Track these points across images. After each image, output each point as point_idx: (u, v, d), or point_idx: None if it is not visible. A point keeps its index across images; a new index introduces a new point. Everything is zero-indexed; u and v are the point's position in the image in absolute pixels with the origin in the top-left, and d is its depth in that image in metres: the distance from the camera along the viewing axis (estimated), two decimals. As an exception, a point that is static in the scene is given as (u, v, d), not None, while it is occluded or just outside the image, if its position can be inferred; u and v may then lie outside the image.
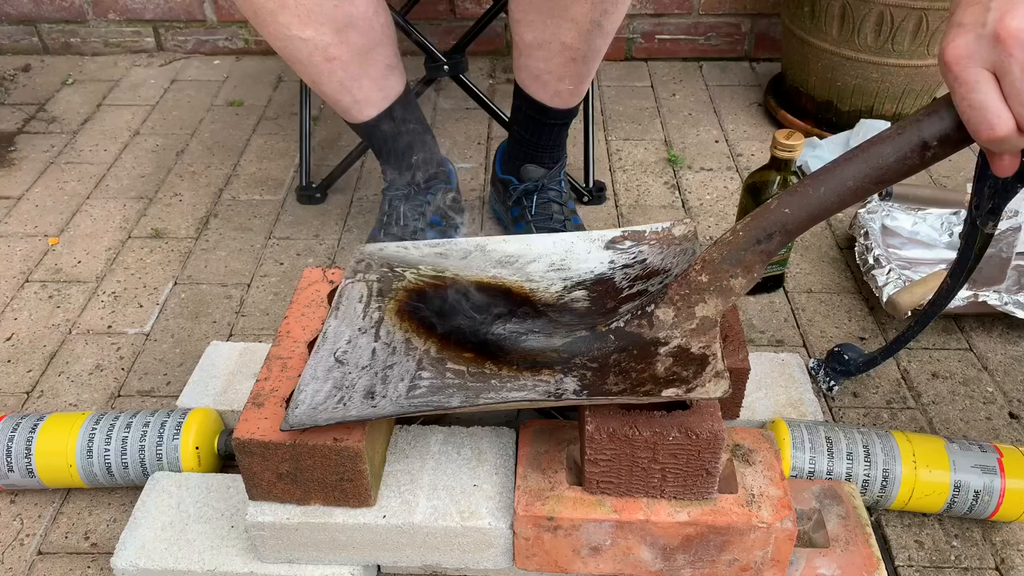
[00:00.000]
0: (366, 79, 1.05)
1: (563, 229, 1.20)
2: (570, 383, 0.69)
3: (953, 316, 1.12)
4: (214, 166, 1.49)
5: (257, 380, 0.74)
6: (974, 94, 0.53)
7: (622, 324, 0.73)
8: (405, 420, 0.79)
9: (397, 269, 0.84)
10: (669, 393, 0.64)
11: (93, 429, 0.87)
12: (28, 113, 1.65)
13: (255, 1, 0.93)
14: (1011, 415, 1.00)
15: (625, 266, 0.82)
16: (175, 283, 1.22)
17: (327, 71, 1.01)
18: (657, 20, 1.81)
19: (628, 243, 0.84)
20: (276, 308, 1.16)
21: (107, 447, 0.86)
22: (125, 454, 0.86)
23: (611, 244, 0.84)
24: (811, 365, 1.04)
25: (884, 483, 0.83)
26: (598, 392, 0.67)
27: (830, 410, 1.00)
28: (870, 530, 0.76)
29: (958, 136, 0.56)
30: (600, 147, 1.54)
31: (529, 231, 1.19)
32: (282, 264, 1.25)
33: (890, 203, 1.24)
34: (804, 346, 1.10)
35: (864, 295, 1.18)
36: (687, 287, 0.69)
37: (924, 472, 0.83)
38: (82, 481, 0.87)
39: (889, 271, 1.09)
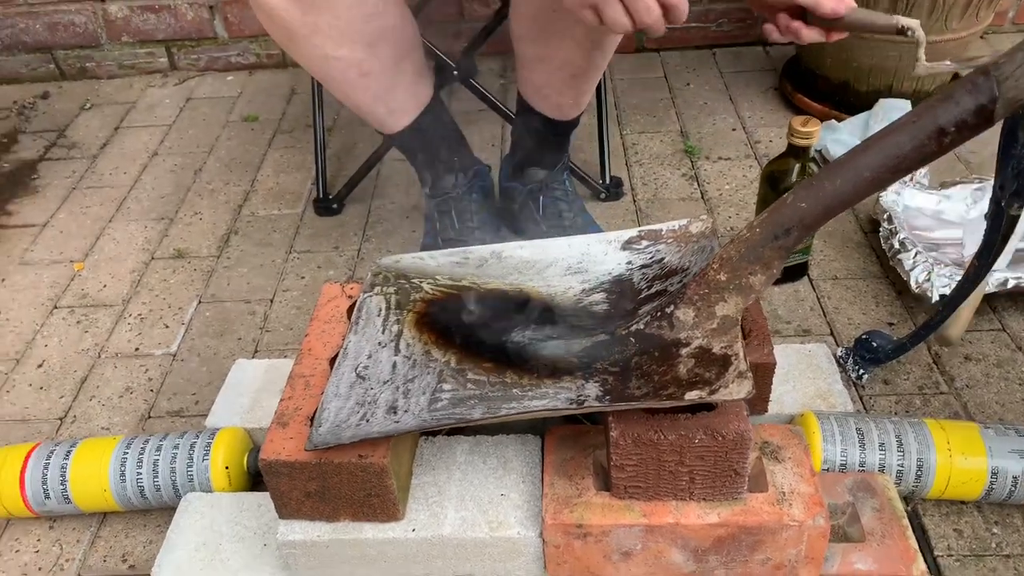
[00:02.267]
0: (399, 88, 1.06)
1: (573, 226, 1.20)
2: (592, 389, 0.69)
3: (985, 296, 1.09)
4: (232, 183, 1.50)
5: (281, 399, 0.75)
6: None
7: (642, 326, 0.72)
8: (430, 432, 0.79)
9: (414, 280, 0.84)
10: (692, 396, 0.63)
11: (125, 453, 0.88)
12: (49, 140, 1.68)
13: (289, 27, 0.94)
14: (1048, 396, 0.98)
15: (643, 266, 0.81)
16: (199, 302, 1.23)
17: (362, 86, 1.03)
18: (667, 9, 1.79)
19: (645, 243, 0.83)
20: (299, 323, 1.17)
21: (139, 470, 0.87)
22: (157, 476, 0.87)
23: (628, 244, 0.83)
24: (839, 354, 1.02)
25: (919, 472, 0.82)
26: (620, 397, 0.67)
27: (860, 399, 0.99)
28: (906, 522, 0.75)
29: (975, 121, 0.55)
30: (615, 141, 1.52)
31: (541, 231, 1.19)
32: (303, 278, 1.26)
33: (911, 184, 1.22)
34: (831, 334, 1.09)
35: (891, 279, 1.16)
36: (706, 286, 0.69)
37: (959, 459, 0.81)
38: (117, 505, 0.88)
39: (916, 254, 1.07)
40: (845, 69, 1.47)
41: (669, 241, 0.82)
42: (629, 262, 0.82)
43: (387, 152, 1.34)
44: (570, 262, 0.84)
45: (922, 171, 1.23)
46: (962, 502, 0.86)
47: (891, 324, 1.09)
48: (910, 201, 1.21)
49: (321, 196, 1.39)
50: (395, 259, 0.87)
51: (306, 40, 0.95)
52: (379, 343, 0.76)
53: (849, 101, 1.50)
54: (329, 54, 0.97)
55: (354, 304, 0.83)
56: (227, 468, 0.87)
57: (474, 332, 0.78)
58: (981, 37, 1.64)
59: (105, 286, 1.27)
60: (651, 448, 0.66)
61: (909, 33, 0.74)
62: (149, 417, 1.05)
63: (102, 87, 1.86)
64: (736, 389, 0.62)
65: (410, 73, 1.06)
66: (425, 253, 0.87)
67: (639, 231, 0.84)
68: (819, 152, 1.39)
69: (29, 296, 1.26)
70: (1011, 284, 1.03)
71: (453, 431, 0.81)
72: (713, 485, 0.68)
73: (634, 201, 1.38)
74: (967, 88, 0.55)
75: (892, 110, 1.37)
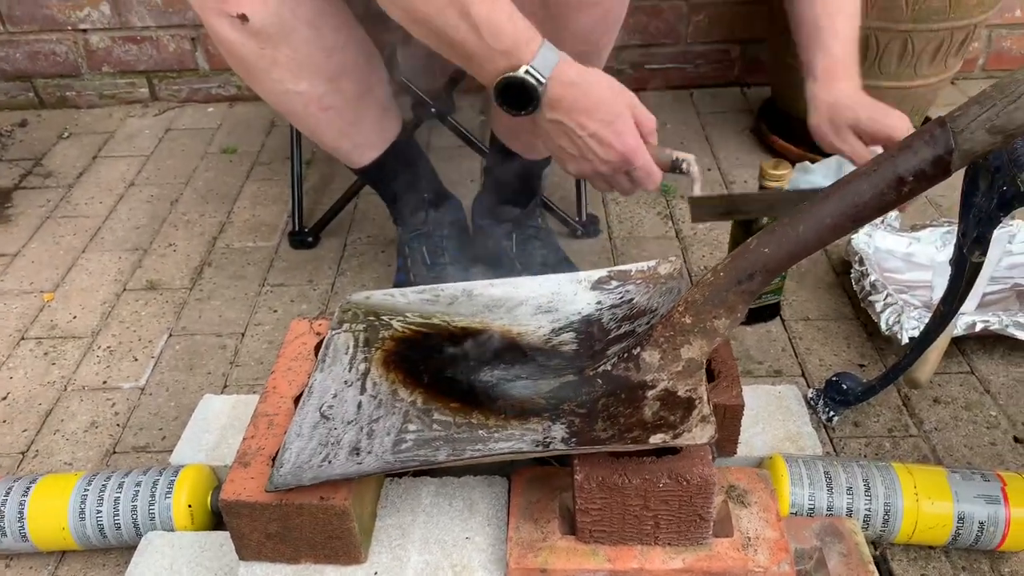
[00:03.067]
0: (363, 123, 1.06)
1: (546, 264, 1.20)
2: (558, 431, 0.68)
3: (953, 339, 1.10)
4: (208, 214, 1.50)
5: (244, 438, 0.74)
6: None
7: (609, 367, 0.72)
8: (395, 473, 0.78)
9: (384, 317, 0.84)
10: (656, 439, 0.63)
11: (85, 490, 0.86)
12: (25, 168, 1.67)
13: (247, 60, 0.94)
14: (1016, 439, 0.98)
15: (612, 306, 0.82)
16: (170, 335, 1.22)
17: (324, 120, 1.02)
18: (646, 50, 1.81)
19: (614, 283, 0.83)
20: (270, 357, 1.16)
21: (99, 508, 0.85)
22: (118, 515, 0.85)
23: (598, 284, 0.84)
24: (810, 395, 1.02)
25: (886, 517, 0.82)
26: (586, 439, 0.67)
27: (831, 441, 0.99)
28: (872, 567, 0.75)
29: (932, 171, 0.56)
30: (592, 179, 1.53)
31: (514, 269, 1.19)
32: (276, 312, 1.25)
33: (881, 227, 1.23)
34: (803, 375, 1.09)
35: (862, 321, 1.17)
36: (671, 329, 0.69)
37: (927, 504, 0.81)
38: (75, 543, 0.86)
39: (887, 296, 1.08)
40: (818, 112, 1.49)
41: (638, 282, 0.83)
42: (599, 302, 0.83)
43: (364, 186, 1.34)
44: (540, 301, 0.84)
45: (893, 213, 1.25)
46: (930, 547, 0.86)
47: (862, 366, 1.10)
48: (881, 243, 1.22)
49: (296, 229, 1.39)
50: (365, 295, 0.86)
51: (265, 74, 0.95)
52: (345, 382, 0.76)
53: (823, 143, 1.52)
54: (289, 88, 0.96)
55: (322, 341, 0.82)
56: (190, 506, 0.85)
57: (442, 371, 0.77)
58: (952, 83, 1.68)
59: (75, 317, 1.26)
60: (616, 492, 0.66)
61: (684, 167, 0.80)
62: (114, 452, 1.03)
63: (81, 116, 1.86)
64: (699, 433, 0.62)
65: (375, 108, 1.06)
66: (396, 290, 0.87)
67: (608, 271, 0.84)
68: (792, 193, 1.40)
69: (-4, 326, 1.25)
70: (979, 327, 1.04)
71: (419, 472, 0.80)
72: (678, 530, 0.67)
73: (610, 238, 1.38)
74: (924, 139, 0.56)
75: (864, 153, 1.39)
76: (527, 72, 0.75)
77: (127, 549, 0.87)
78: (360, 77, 1.02)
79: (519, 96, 0.77)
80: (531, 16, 0.80)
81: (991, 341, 1.11)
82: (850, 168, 0.90)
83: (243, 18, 0.88)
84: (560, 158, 0.83)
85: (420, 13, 0.76)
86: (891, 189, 0.58)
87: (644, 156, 0.79)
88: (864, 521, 0.82)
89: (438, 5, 0.74)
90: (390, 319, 0.83)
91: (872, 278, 1.12)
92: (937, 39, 1.34)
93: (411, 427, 0.70)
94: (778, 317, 1.19)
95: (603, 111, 0.77)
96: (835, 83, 0.92)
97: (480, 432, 0.69)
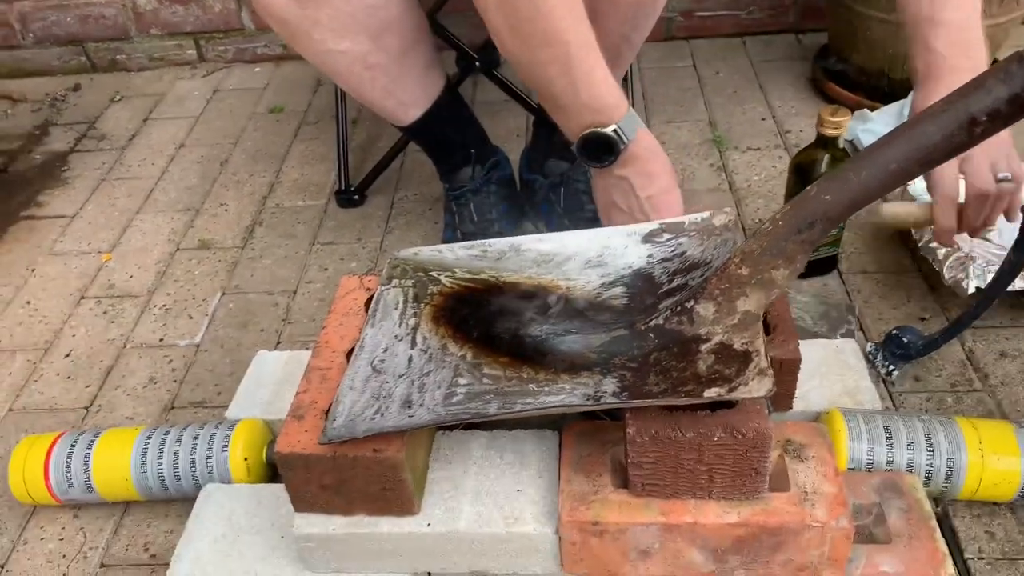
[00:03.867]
0: (408, 80, 1.05)
1: (595, 218, 1.18)
2: (609, 385, 0.68)
3: (1021, 292, 1.06)
4: (257, 174, 1.51)
5: (297, 392, 0.75)
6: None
7: (661, 321, 0.71)
8: (446, 426, 0.79)
9: (432, 273, 0.83)
10: (711, 393, 0.62)
11: (146, 444, 0.89)
12: (79, 132, 1.70)
13: (289, 23, 0.93)
14: (1086, 394, 0.94)
15: (664, 260, 0.80)
16: (223, 293, 1.24)
17: (368, 79, 1.02)
18: (696, -3, 1.76)
19: (666, 236, 0.81)
20: (321, 314, 1.17)
21: (160, 461, 0.88)
22: (178, 467, 0.87)
23: (649, 238, 0.82)
24: (869, 350, 1.00)
25: (949, 473, 0.80)
26: (638, 393, 0.66)
27: (890, 396, 0.96)
28: (934, 523, 0.73)
29: (1008, 110, 0.53)
30: (642, 132, 1.50)
31: (562, 224, 1.17)
32: (326, 270, 1.26)
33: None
34: (861, 329, 1.06)
35: (923, 273, 1.13)
36: (727, 281, 0.67)
37: (992, 459, 0.79)
38: (138, 494, 0.89)
39: (949, 245, 1.04)
40: (879, 57, 1.43)
41: (691, 234, 0.80)
42: (650, 255, 0.81)
43: (409, 144, 1.34)
44: (590, 256, 0.83)
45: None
46: (995, 503, 0.84)
47: (923, 319, 1.07)
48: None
49: (343, 188, 1.39)
50: (413, 252, 0.86)
51: (307, 35, 0.94)
52: (396, 336, 0.76)
53: (883, 90, 1.46)
54: (332, 48, 0.96)
55: (372, 297, 0.82)
56: (246, 459, 0.87)
57: (491, 326, 0.77)
58: (1022, 23, 1.59)
59: (131, 277, 1.29)
60: (669, 446, 0.65)
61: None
62: (172, 407, 1.06)
63: (132, 79, 1.88)
64: (756, 387, 0.60)
65: (419, 65, 1.05)
66: (443, 246, 0.86)
67: (660, 224, 0.82)
68: (850, 143, 1.35)
69: (58, 286, 1.28)
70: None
71: (470, 425, 0.80)
72: (733, 484, 0.66)
73: (660, 192, 1.35)
74: (999, 76, 0.53)
75: (927, 99, 1.33)
76: (615, 131, 0.81)
77: (188, 500, 0.89)
78: (403, 33, 1.01)
79: (599, 149, 0.83)
80: None
81: (1062, 294, 1.06)
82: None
83: None
84: (607, 211, 0.89)
85: (524, 63, 0.82)
86: (962, 130, 0.55)
87: None
88: (926, 476, 0.80)
89: (542, 59, 0.79)
90: (439, 275, 0.83)
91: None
92: (1009, -25, 1.27)
93: (462, 380, 0.70)
94: (836, 270, 1.15)
95: (664, 181, 0.84)
96: (935, 90, 0.82)
97: (530, 386, 0.69)
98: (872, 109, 1.41)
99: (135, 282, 1.27)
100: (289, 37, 0.97)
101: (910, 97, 1.39)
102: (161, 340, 1.16)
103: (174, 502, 0.93)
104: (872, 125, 1.35)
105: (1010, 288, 0.84)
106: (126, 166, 1.57)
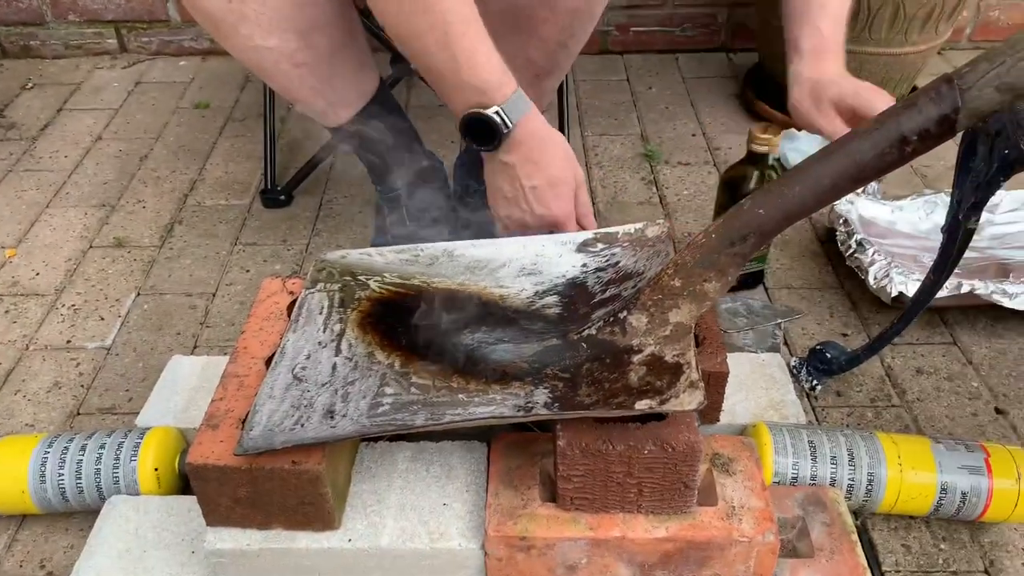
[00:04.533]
0: (338, 80, 1.02)
1: None
2: (541, 395, 0.66)
3: (936, 309, 1.10)
4: (179, 171, 1.45)
5: (212, 400, 0.71)
6: None
7: (594, 332, 0.70)
8: (370, 437, 0.76)
9: (360, 277, 0.80)
10: (642, 405, 0.61)
11: (46, 452, 0.83)
12: (-14, 120, 1.60)
13: (214, 16, 0.89)
14: (997, 410, 0.98)
15: (598, 269, 0.79)
16: (138, 294, 1.18)
17: (297, 77, 0.98)
18: (631, 12, 1.77)
19: (600, 246, 0.81)
20: (242, 318, 1.13)
21: (61, 471, 0.82)
22: (80, 478, 0.82)
23: (583, 247, 0.81)
24: (793, 364, 1.01)
25: (869, 487, 0.81)
26: (570, 405, 0.64)
27: (813, 410, 0.98)
28: (855, 537, 0.74)
29: (937, 130, 0.54)
30: (576, 142, 1.50)
31: (495, 232, 1.16)
32: (248, 272, 1.21)
33: (863, 195, 1.22)
34: (786, 344, 1.08)
35: (847, 290, 1.16)
36: (660, 292, 0.67)
37: (910, 474, 0.81)
38: (36, 507, 0.83)
39: (873, 253, 1.07)
40: (806, 78, 1.46)
41: (625, 244, 0.80)
42: (584, 265, 0.80)
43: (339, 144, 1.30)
44: (524, 263, 0.82)
45: (873, 184, 1.23)
46: (911, 517, 0.85)
47: (845, 335, 1.09)
48: (864, 211, 1.20)
49: (269, 187, 1.34)
50: (341, 254, 0.83)
51: (233, 29, 0.91)
52: (319, 343, 0.73)
53: (809, 110, 1.49)
54: (259, 44, 0.92)
55: (295, 301, 0.79)
56: (156, 470, 0.82)
57: (421, 334, 0.75)
58: (939, 53, 1.66)
59: (38, 274, 1.21)
60: (599, 458, 0.64)
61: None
62: (78, 414, 1.00)
63: (46, 67, 1.79)
64: (687, 399, 0.60)
65: (350, 64, 1.02)
66: (373, 249, 0.84)
67: (594, 234, 0.82)
68: (778, 161, 1.38)
69: (-45, 283, 1.20)
70: (964, 289, 1.02)
71: (396, 437, 0.77)
72: (662, 498, 0.66)
73: (594, 203, 1.35)
74: (930, 96, 0.54)
75: (851, 121, 1.37)
76: (496, 113, 0.77)
77: (90, 513, 0.84)
78: (334, 31, 0.98)
79: (483, 132, 0.79)
80: (501, 23, 0.79)
81: (973, 312, 1.10)
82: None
83: None
84: (494, 198, 0.85)
85: (403, 34, 0.78)
86: (893, 149, 0.56)
87: (571, 228, 0.83)
88: (847, 490, 0.81)
89: (420, 28, 0.75)
90: (367, 279, 0.80)
91: (858, 236, 1.10)
92: (929, 4, 1.31)
93: (388, 390, 0.67)
94: (761, 285, 1.17)
95: (552, 171, 0.80)
96: (821, 62, 0.90)
97: (460, 396, 0.67)
98: (799, 129, 1.44)
99: (41, 280, 1.20)
100: (214, 30, 0.93)
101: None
102: (68, 342, 1.10)
103: (75, 516, 0.87)
104: (799, 144, 1.38)
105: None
106: (36, 157, 1.49)
